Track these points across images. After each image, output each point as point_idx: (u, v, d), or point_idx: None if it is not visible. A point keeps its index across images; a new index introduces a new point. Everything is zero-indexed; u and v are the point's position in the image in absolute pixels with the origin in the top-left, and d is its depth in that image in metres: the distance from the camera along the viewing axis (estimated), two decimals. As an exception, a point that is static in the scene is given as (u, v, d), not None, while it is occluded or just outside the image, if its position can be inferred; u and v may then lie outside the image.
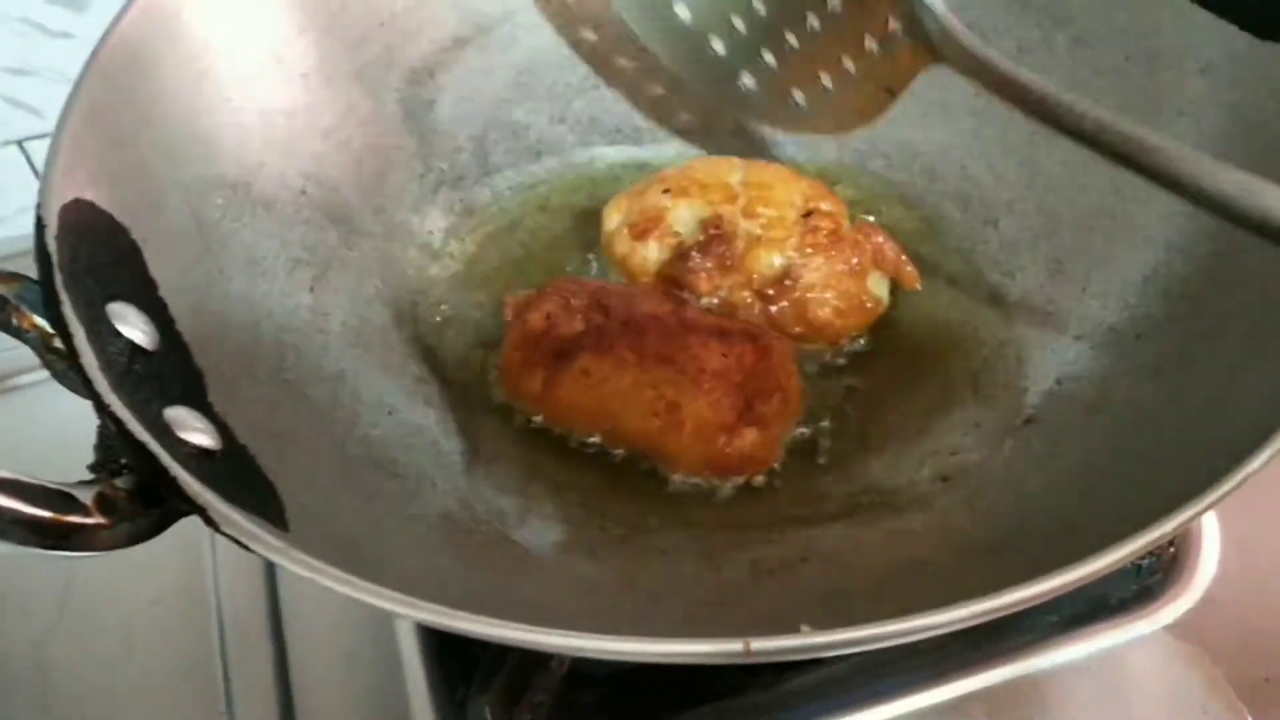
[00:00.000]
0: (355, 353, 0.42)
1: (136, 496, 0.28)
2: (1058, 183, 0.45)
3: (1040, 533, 0.34)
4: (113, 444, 0.29)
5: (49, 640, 0.46)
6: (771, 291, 0.44)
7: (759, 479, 0.41)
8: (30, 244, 0.70)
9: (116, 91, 0.37)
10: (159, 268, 0.35)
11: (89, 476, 0.29)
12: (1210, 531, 0.45)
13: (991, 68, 0.38)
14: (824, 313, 0.44)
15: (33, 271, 0.32)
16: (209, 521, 0.27)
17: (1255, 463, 0.28)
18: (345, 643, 0.44)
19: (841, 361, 0.45)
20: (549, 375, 0.41)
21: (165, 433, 0.29)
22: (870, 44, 0.43)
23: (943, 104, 0.48)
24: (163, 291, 0.35)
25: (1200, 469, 0.29)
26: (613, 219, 0.47)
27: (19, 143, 0.68)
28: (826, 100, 0.45)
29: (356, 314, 0.43)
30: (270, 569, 0.47)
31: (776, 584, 0.35)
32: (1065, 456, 0.37)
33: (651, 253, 0.45)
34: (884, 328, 0.46)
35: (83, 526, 0.27)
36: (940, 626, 0.25)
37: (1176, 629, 0.42)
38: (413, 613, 0.25)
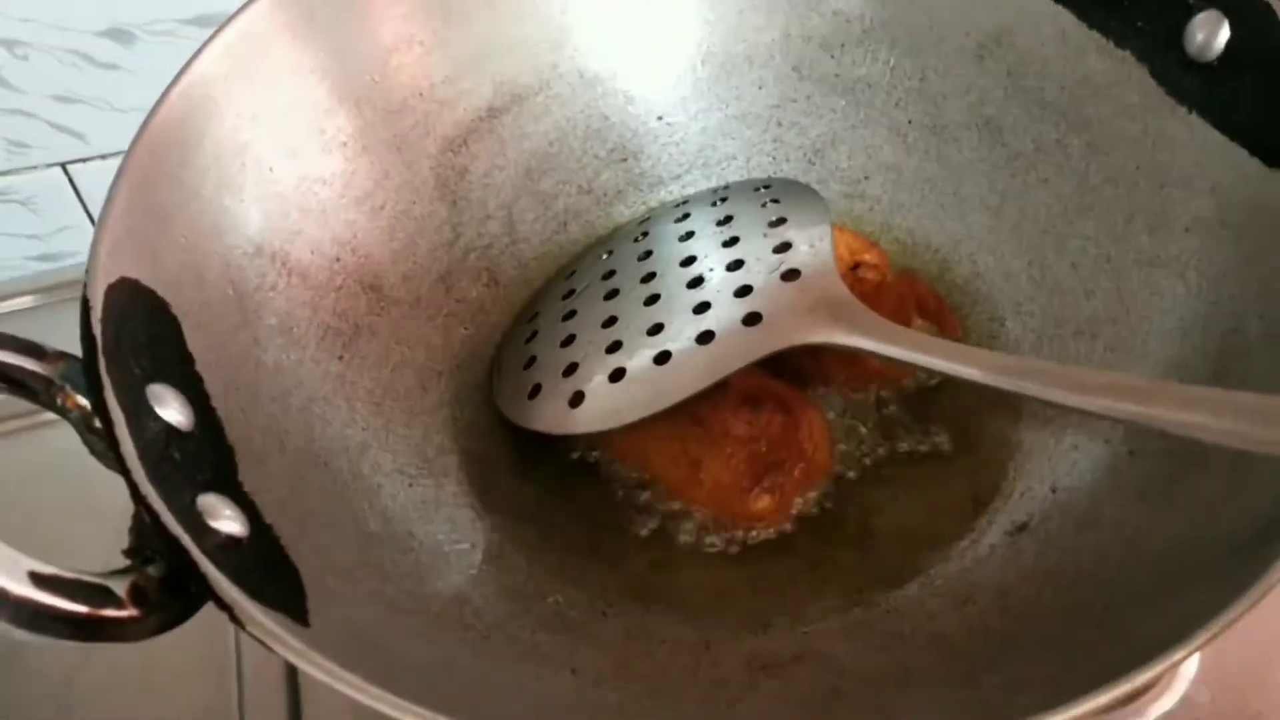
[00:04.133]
0: (379, 421, 0.43)
1: (167, 585, 0.30)
2: (1065, 286, 0.45)
3: (1026, 652, 0.34)
4: (146, 530, 0.30)
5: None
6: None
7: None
8: (68, 274, 0.73)
9: (161, 169, 0.38)
10: (196, 341, 0.36)
11: (123, 564, 0.30)
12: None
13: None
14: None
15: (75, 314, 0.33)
16: (235, 620, 0.29)
17: (1236, 610, 0.27)
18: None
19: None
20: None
21: (197, 523, 0.31)
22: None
23: (959, 197, 0.49)
24: (199, 366, 0.36)
25: (1182, 604, 0.29)
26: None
27: (63, 165, 0.70)
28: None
29: (382, 383, 0.44)
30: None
31: (772, 681, 0.36)
32: (1054, 572, 0.37)
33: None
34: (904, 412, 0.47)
35: (117, 620, 0.28)
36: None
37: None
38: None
